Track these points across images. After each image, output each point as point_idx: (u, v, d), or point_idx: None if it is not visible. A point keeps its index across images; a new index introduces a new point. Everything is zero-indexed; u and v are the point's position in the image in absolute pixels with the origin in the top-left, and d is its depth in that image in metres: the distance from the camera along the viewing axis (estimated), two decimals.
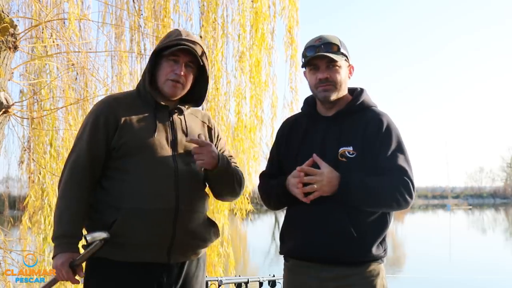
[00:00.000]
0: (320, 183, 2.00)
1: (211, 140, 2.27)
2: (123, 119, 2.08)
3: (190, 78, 2.19)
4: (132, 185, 2.03)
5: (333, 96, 2.14)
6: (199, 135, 2.17)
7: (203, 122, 2.30)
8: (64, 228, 2.03)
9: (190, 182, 2.11)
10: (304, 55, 2.19)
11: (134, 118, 2.10)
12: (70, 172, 2.07)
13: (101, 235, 1.97)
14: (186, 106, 2.23)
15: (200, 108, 2.37)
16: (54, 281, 2.06)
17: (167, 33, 2.24)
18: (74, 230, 2.04)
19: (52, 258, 2.04)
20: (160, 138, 2.09)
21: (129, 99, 2.17)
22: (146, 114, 2.12)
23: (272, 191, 2.19)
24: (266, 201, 2.28)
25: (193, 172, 2.14)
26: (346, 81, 2.18)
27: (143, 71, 2.26)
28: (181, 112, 2.20)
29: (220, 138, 2.35)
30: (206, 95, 2.35)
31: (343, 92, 2.18)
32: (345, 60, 2.17)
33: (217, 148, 2.23)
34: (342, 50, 2.14)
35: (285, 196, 2.10)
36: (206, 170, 2.15)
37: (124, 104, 2.13)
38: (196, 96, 2.26)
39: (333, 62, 2.12)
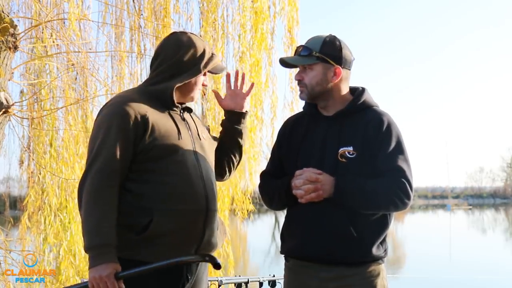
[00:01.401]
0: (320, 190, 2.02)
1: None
2: (151, 121, 2.01)
3: None
4: (165, 187, 2.00)
5: (306, 97, 2.17)
6: (207, 128, 2.22)
7: (202, 122, 2.33)
8: (105, 237, 1.93)
9: (211, 181, 2.13)
10: None
11: (158, 119, 2.04)
12: (101, 178, 1.95)
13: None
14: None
15: (197, 108, 2.39)
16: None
17: (195, 45, 2.13)
18: (114, 240, 1.95)
19: (90, 268, 1.93)
20: (184, 138, 2.09)
21: (141, 100, 2.06)
22: (164, 114, 2.08)
23: (275, 191, 2.19)
24: (267, 201, 2.26)
25: (211, 170, 2.16)
26: (324, 84, 2.13)
27: (162, 71, 2.13)
28: (190, 111, 2.21)
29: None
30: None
31: (320, 93, 2.14)
32: (325, 63, 2.12)
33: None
34: (317, 54, 2.11)
35: (288, 197, 2.10)
36: (229, 115, 2.26)
37: (143, 106, 2.04)
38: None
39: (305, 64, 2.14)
